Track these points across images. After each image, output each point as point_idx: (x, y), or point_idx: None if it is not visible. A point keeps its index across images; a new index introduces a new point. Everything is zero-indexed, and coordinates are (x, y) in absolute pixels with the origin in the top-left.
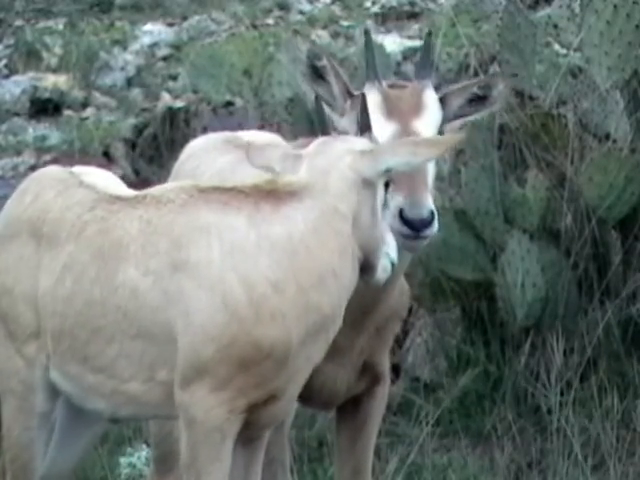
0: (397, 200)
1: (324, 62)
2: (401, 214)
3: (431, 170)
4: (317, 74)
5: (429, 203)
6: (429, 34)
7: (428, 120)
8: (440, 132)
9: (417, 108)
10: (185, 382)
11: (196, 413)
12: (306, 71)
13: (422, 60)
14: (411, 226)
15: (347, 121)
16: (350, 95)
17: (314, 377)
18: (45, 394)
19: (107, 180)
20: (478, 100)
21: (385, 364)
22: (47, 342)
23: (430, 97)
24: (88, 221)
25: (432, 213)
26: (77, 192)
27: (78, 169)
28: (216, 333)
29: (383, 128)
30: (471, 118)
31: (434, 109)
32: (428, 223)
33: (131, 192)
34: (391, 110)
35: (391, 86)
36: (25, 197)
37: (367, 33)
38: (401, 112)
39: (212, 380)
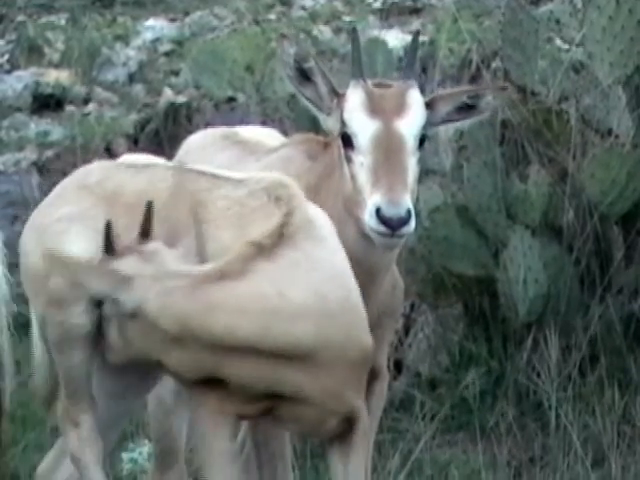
0: (375, 198)
1: (311, 63)
2: (378, 212)
3: (412, 168)
4: (304, 76)
5: (406, 202)
6: (417, 33)
7: (411, 120)
8: (425, 135)
9: (400, 107)
10: None
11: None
12: (293, 73)
13: (408, 60)
14: (388, 225)
15: (333, 120)
16: (336, 94)
17: None
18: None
19: None
20: (467, 108)
21: (383, 360)
22: None
23: (414, 97)
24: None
25: (409, 212)
26: (160, 169)
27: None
28: None
29: (366, 126)
30: (457, 124)
31: (417, 109)
32: (405, 222)
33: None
34: (374, 108)
35: (377, 85)
36: (87, 180)
37: (354, 31)
38: (384, 111)
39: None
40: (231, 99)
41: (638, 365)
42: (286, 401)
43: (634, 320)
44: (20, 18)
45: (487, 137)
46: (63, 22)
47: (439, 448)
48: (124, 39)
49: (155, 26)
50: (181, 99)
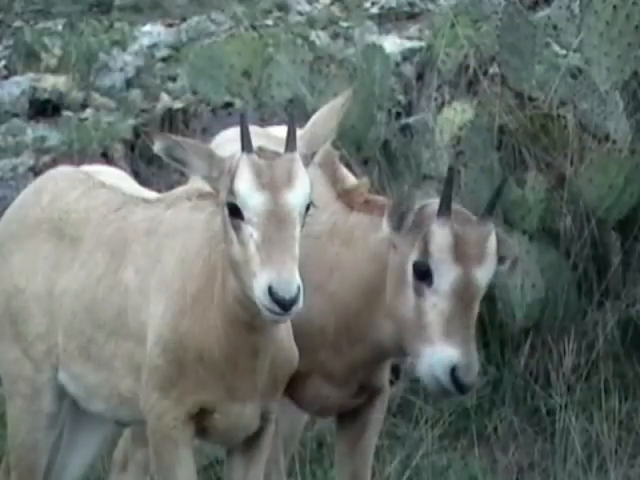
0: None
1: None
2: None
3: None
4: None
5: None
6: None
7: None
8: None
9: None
10: None
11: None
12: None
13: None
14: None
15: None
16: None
17: (305, 393)
18: (52, 396)
19: (124, 180)
20: None
21: (384, 379)
22: (58, 341)
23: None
24: (111, 221)
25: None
26: (101, 193)
27: (91, 168)
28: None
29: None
30: None
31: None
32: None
33: (153, 194)
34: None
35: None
36: (41, 197)
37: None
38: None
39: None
40: (228, 104)
41: (636, 371)
42: None
43: (632, 325)
44: (17, 24)
45: (484, 142)
46: (60, 28)
47: (437, 453)
48: (121, 44)
49: (152, 31)
50: (178, 104)
